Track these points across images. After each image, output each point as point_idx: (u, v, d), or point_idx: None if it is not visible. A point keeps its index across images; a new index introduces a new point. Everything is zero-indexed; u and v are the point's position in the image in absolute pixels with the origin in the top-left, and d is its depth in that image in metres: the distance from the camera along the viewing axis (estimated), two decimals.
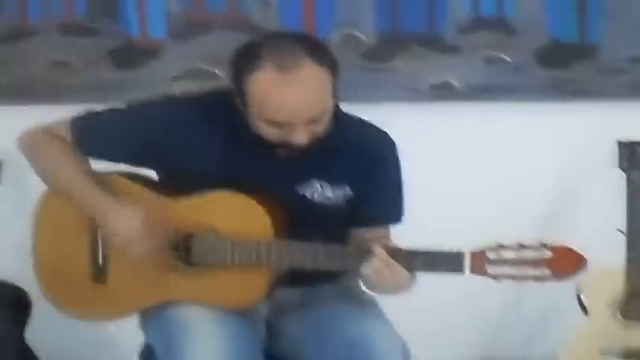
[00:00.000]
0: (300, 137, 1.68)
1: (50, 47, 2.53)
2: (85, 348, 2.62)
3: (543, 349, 2.67)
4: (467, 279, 2.38)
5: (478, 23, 2.59)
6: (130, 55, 2.54)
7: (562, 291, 2.50)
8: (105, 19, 2.54)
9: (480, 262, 1.68)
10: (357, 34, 2.56)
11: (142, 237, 1.73)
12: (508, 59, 2.60)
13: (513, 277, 1.68)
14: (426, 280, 2.41)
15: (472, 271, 1.69)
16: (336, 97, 1.72)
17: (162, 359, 1.73)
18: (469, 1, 2.58)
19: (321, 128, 1.72)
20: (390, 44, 2.58)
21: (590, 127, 2.60)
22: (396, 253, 1.70)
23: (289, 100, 1.64)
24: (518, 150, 2.65)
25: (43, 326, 2.40)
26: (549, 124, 2.62)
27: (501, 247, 1.68)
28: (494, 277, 1.68)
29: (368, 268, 1.70)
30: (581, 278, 2.46)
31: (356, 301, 1.85)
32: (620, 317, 2.44)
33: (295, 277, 1.82)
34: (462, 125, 2.62)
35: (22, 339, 2.37)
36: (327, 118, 1.72)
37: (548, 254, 1.67)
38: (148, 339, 1.86)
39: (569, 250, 1.68)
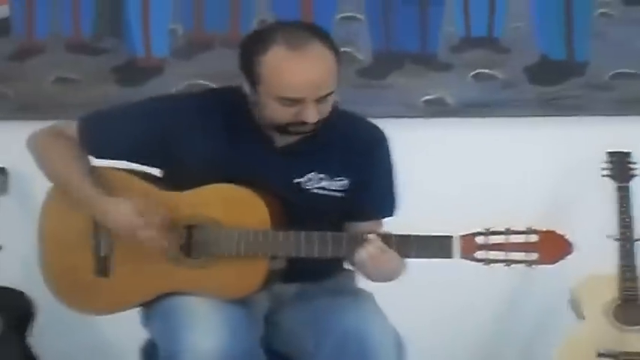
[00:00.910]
0: (312, 115, 1.75)
1: (57, 65, 2.63)
2: (86, 353, 2.66)
3: (539, 356, 2.71)
4: (463, 282, 2.46)
5: (469, 42, 2.69)
6: (134, 73, 2.64)
7: (557, 297, 2.59)
8: (110, 38, 2.65)
9: (469, 246, 1.73)
10: (353, 52, 2.66)
11: (145, 222, 1.77)
12: (499, 76, 2.70)
13: (502, 262, 1.72)
14: (423, 283, 2.49)
15: (461, 255, 1.73)
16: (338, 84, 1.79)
17: (162, 348, 1.76)
18: (460, 21, 2.68)
19: (326, 110, 1.79)
20: (385, 62, 2.68)
21: (579, 141, 2.67)
22: (387, 239, 1.75)
23: (300, 74, 1.73)
24: (510, 163, 2.71)
25: (47, 332, 2.46)
26: (540, 137, 2.70)
27: (490, 232, 1.73)
28: (483, 261, 1.73)
29: (362, 254, 1.76)
30: (576, 284, 2.56)
31: (352, 295, 1.91)
32: (614, 322, 2.50)
33: (293, 273, 1.88)
34: (456, 139, 2.70)
35: (25, 344, 2.41)
36: (332, 101, 1.79)
37: (535, 238, 1.72)
38: (149, 331, 1.89)
39: (556, 235, 1.74)
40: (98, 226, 1.86)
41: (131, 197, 1.81)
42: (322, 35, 1.78)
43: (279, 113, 1.77)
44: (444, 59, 2.68)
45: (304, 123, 1.77)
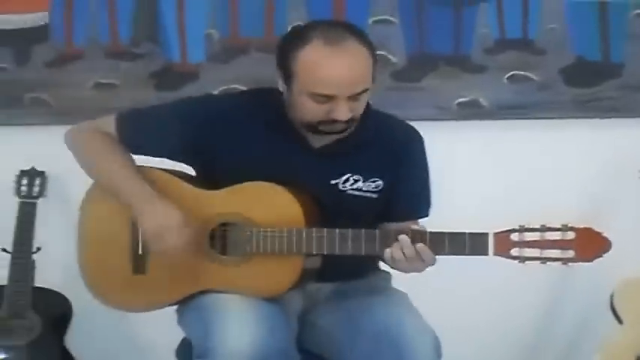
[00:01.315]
0: (343, 112, 1.76)
1: (95, 70, 2.67)
2: (123, 354, 2.69)
3: None
4: (501, 283, 2.43)
5: (503, 44, 2.68)
6: (170, 78, 2.67)
7: (598, 299, 2.56)
8: (147, 44, 2.68)
9: (504, 243, 1.71)
10: (387, 55, 2.66)
11: (172, 235, 1.79)
12: (534, 78, 2.68)
13: (537, 259, 1.70)
14: (461, 283, 2.47)
15: (496, 252, 1.71)
16: (374, 84, 1.79)
17: (195, 345, 1.78)
18: (494, 23, 2.68)
19: (359, 109, 1.80)
20: (419, 64, 2.68)
21: (616, 142, 2.65)
22: (421, 236, 1.75)
23: (336, 70, 1.74)
24: (546, 165, 2.70)
25: (84, 333, 2.49)
26: (576, 139, 2.68)
27: (525, 229, 1.71)
28: (518, 258, 1.71)
29: (394, 254, 1.76)
30: (615, 288, 2.53)
31: (386, 295, 1.91)
32: None
33: (328, 273, 1.89)
34: (490, 142, 2.69)
35: (63, 345, 2.45)
36: (365, 99, 1.80)
37: (571, 236, 1.70)
38: (183, 329, 1.91)
39: (593, 232, 1.71)
40: (135, 224, 1.87)
41: (174, 201, 1.81)
42: (359, 33, 1.80)
43: (312, 110, 1.78)
44: (478, 61, 2.68)
45: (335, 121, 1.77)
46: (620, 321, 2.51)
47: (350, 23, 1.87)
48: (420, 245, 1.75)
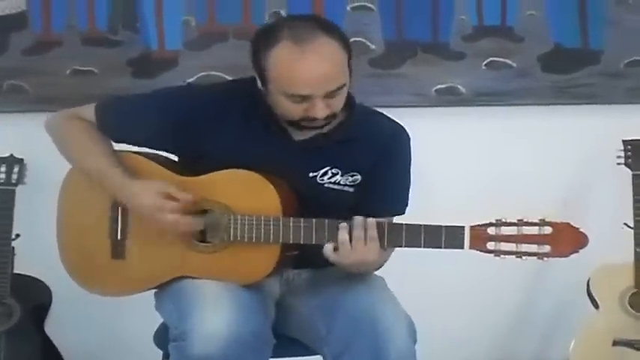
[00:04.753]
0: (320, 111, 1.75)
1: (73, 57, 2.67)
2: (103, 341, 2.69)
3: (556, 350, 2.71)
4: (478, 272, 2.44)
5: (482, 31, 2.68)
6: (148, 65, 2.67)
7: (574, 286, 2.57)
8: (125, 31, 2.67)
9: (480, 237, 1.70)
10: (366, 42, 2.66)
11: (170, 205, 1.78)
12: (512, 64, 2.69)
13: (513, 253, 1.68)
14: (439, 274, 2.48)
15: (472, 246, 1.70)
16: (351, 76, 1.78)
17: (172, 327, 1.78)
18: (472, 10, 2.68)
19: (338, 105, 1.79)
20: (397, 51, 2.68)
21: (594, 129, 2.66)
22: (379, 225, 1.73)
23: (307, 69, 1.72)
24: (524, 152, 2.71)
25: (63, 320, 2.49)
26: (554, 126, 2.69)
27: (502, 223, 1.69)
28: (494, 252, 1.69)
29: (340, 235, 1.73)
30: (592, 273, 2.55)
31: (363, 280, 1.90)
32: (629, 310, 2.49)
33: (305, 259, 1.90)
34: (468, 129, 2.70)
35: (42, 331, 2.45)
36: (344, 94, 1.79)
37: (548, 231, 1.68)
38: (160, 314, 1.91)
39: (570, 228, 1.69)
40: (114, 209, 1.89)
41: (154, 180, 1.82)
42: (330, 28, 1.77)
43: (290, 109, 1.78)
44: (457, 48, 2.68)
45: (315, 119, 1.77)
46: (596, 306, 2.53)
47: (320, 17, 1.86)
48: (370, 233, 1.72)
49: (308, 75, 1.72)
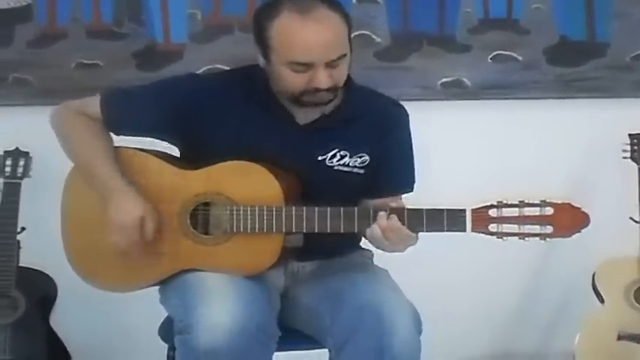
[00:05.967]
0: (323, 80, 1.76)
1: (78, 50, 2.66)
2: (107, 334, 2.70)
3: (560, 342, 2.70)
4: (483, 263, 2.43)
5: (488, 24, 2.68)
6: (153, 58, 2.66)
7: (579, 279, 2.57)
8: (130, 24, 2.67)
9: (482, 219, 1.70)
10: (372, 34, 2.66)
11: (126, 233, 1.80)
12: (518, 57, 2.68)
13: (515, 235, 1.69)
14: (443, 261, 2.47)
15: (474, 228, 1.70)
16: (351, 50, 1.80)
17: (177, 321, 1.78)
18: (478, 2, 2.68)
19: (340, 76, 1.80)
20: (403, 44, 2.68)
21: (600, 123, 2.66)
22: (399, 214, 1.75)
23: (309, 37, 1.74)
24: (529, 145, 2.71)
25: (68, 313, 2.49)
26: (560, 120, 2.69)
27: (503, 204, 1.70)
28: (496, 234, 1.69)
29: (374, 231, 1.76)
30: (597, 267, 2.54)
31: (367, 272, 1.92)
32: (635, 304, 2.48)
33: (309, 251, 1.90)
34: (474, 121, 2.69)
35: (47, 324, 2.46)
36: (345, 66, 1.80)
37: (550, 211, 1.68)
38: (165, 308, 1.91)
39: (572, 207, 1.69)
40: None
41: (139, 200, 1.81)
42: (331, 2, 1.79)
43: (292, 81, 1.78)
44: (463, 41, 2.68)
45: (317, 90, 1.78)
46: (601, 300, 2.53)
47: None
48: (396, 224, 1.74)
49: (310, 41, 1.74)
